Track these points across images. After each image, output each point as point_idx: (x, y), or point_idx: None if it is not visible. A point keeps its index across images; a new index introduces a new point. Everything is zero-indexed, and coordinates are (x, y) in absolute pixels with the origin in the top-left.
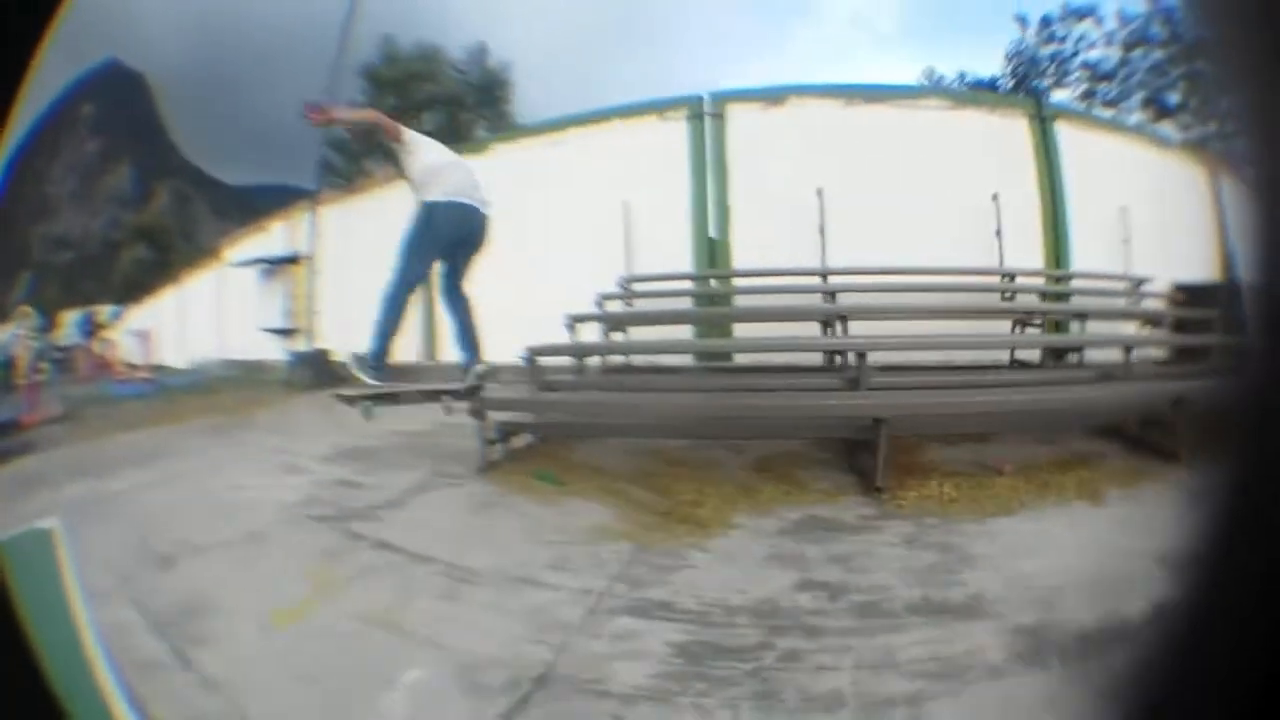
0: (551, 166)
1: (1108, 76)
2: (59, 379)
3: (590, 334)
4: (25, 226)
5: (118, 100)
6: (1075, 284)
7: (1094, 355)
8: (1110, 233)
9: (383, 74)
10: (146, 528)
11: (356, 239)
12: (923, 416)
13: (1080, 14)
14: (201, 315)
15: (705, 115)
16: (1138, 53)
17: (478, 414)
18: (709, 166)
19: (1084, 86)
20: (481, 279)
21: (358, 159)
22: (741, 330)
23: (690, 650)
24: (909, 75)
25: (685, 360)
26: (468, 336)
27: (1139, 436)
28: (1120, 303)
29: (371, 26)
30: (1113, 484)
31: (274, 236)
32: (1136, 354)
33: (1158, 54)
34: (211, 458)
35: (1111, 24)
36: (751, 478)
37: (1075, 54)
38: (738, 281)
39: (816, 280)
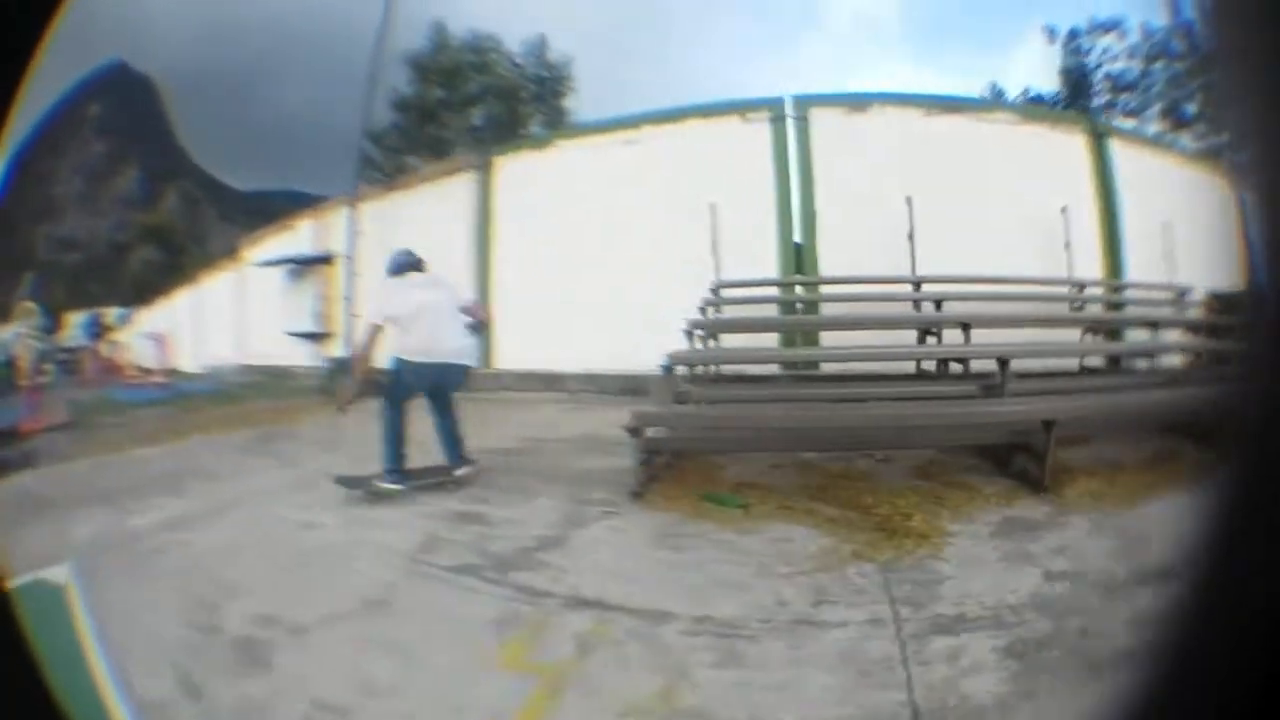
0: (626, 165)
1: (1129, 88)
2: (64, 381)
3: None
4: (29, 227)
5: (125, 102)
6: (1133, 294)
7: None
8: (1153, 245)
9: (431, 63)
10: (201, 590)
11: (399, 237)
12: (1087, 419)
13: (1105, 27)
14: (219, 318)
15: (788, 118)
16: (1158, 65)
17: (635, 432)
18: (793, 170)
19: (1106, 97)
20: (561, 281)
21: (399, 153)
22: (838, 338)
23: (1015, 650)
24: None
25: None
26: (449, 438)
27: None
28: (1175, 312)
29: (419, 12)
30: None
31: (301, 235)
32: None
33: (1177, 66)
34: (259, 481)
35: (1135, 37)
36: (933, 486)
37: (1099, 66)
38: (829, 287)
39: (909, 287)
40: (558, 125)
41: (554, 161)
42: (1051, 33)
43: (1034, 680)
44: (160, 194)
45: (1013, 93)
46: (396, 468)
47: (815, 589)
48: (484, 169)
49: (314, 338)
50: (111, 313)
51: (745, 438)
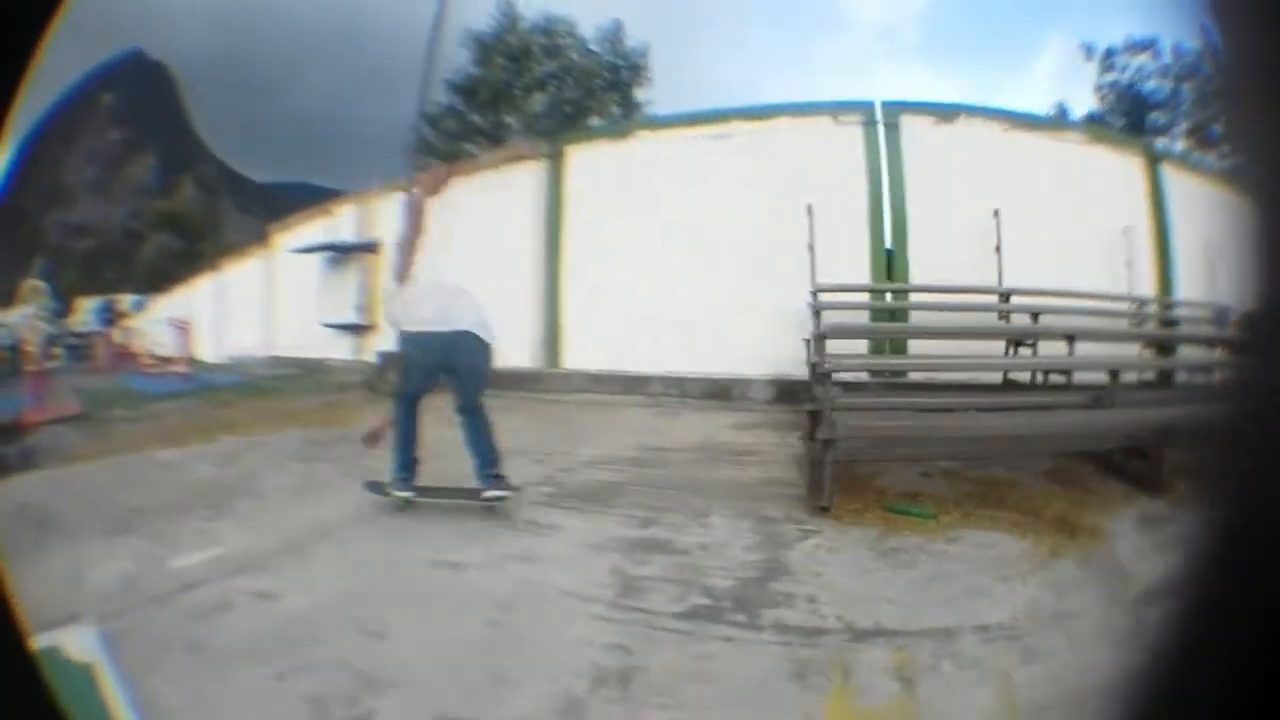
0: (712, 161)
1: (1159, 106)
2: (74, 368)
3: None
4: (38, 212)
5: (141, 91)
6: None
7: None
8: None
9: (497, 44)
10: (310, 678)
11: (458, 226)
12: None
13: (1141, 46)
14: (244, 307)
15: (879, 123)
16: (1187, 85)
17: (827, 443)
18: (884, 176)
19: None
20: (638, 277)
21: (457, 139)
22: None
23: (1196, 614)
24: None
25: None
26: (480, 453)
27: None
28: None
29: None
30: None
31: (341, 222)
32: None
33: (1204, 87)
34: (335, 500)
35: (1167, 58)
36: (1070, 490)
37: (1132, 85)
38: (919, 295)
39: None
40: (631, 115)
41: (633, 153)
42: (1089, 49)
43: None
44: (176, 183)
45: (1047, 107)
46: (402, 476)
47: (1048, 585)
48: (555, 157)
49: (354, 330)
50: (126, 299)
51: (924, 448)
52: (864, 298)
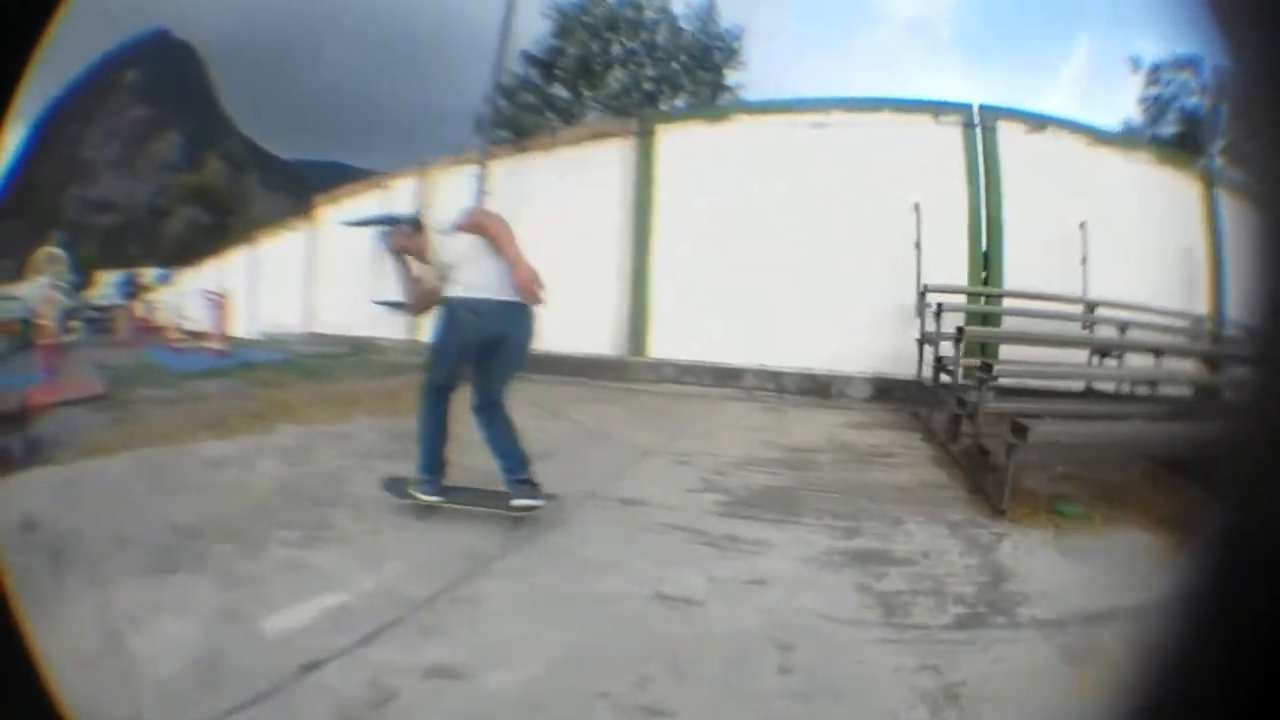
0: (811, 150)
1: (1194, 121)
2: (94, 341)
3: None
4: (54, 188)
5: (166, 69)
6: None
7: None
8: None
9: (582, 14)
10: None
11: (533, 203)
12: None
13: (1183, 64)
14: (282, 282)
15: (977, 126)
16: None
17: (1011, 448)
18: (981, 178)
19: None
20: (730, 265)
21: (538, 110)
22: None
23: None
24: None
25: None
26: (508, 453)
27: None
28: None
29: None
30: None
31: (396, 195)
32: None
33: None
34: (458, 511)
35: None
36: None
37: (1175, 99)
38: (1012, 301)
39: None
40: (715, 98)
41: (728, 136)
42: (1135, 62)
43: None
44: (202, 159)
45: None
46: (429, 476)
47: (1187, 570)
48: (645, 136)
49: (408, 308)
50: (149, 272)
51: (1104, 454)
52: (961, 299)
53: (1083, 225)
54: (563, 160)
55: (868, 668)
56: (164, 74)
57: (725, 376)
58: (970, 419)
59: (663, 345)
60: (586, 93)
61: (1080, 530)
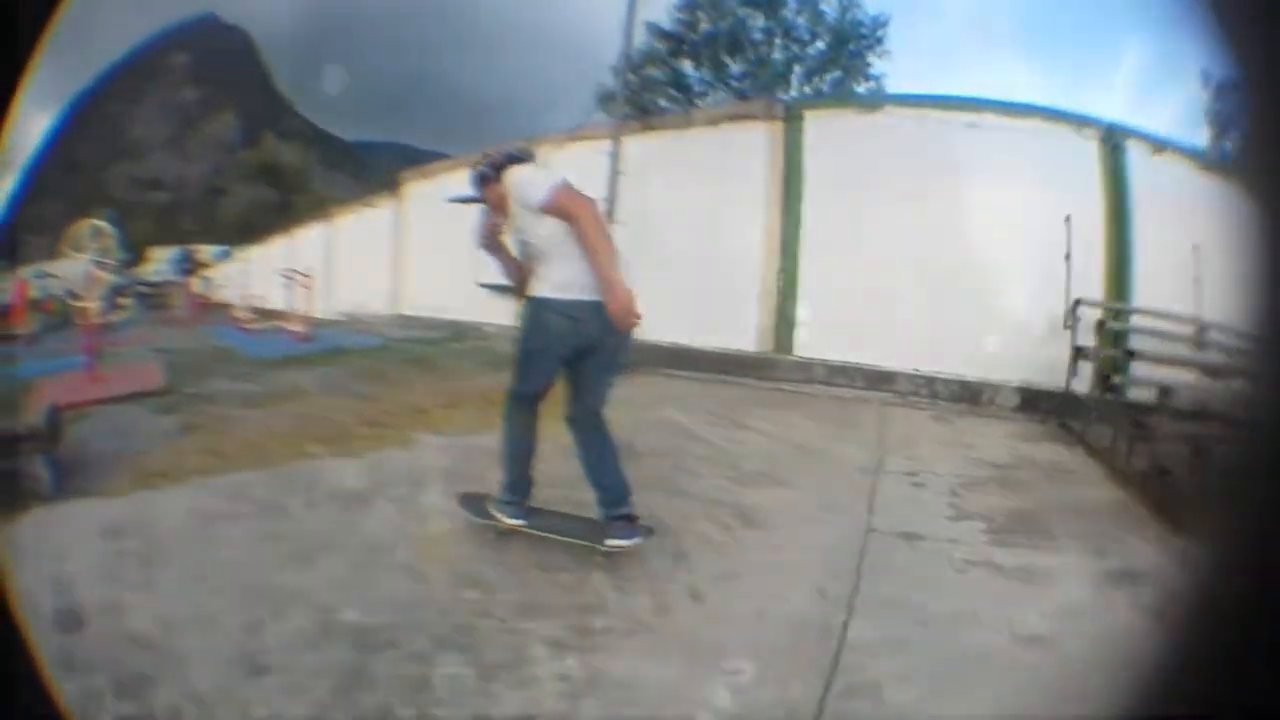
0: (964, 150)
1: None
2: (146, 318)
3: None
4: (100, 165)
5: (217, 52)
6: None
7: None
8: None
9: None
10: None
11: (668, 184)
12: None
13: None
14: (364, 261)
15: (1113, 144)
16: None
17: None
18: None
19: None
20: (880, 263)
21: (686, 90)
22: None
23: None
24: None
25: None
26: (609, 482)
27: None
28: None
29: None
30: None
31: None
32: None
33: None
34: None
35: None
36: None
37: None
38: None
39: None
40: (853, 85)
41: (878, 127)
42: (1206, 77)
43: None
44: (260, 138)
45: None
46: (513, 497)
47: None
48: (792, 121)
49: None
50: (206, 249)
51: None
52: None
53: (1195, 248)
54: (698, 142)
55: None
56: (215, 57)
57: (877, 379)
58: (1147, 440)
59: (805, 343)
60: (719, 71)
61: None
